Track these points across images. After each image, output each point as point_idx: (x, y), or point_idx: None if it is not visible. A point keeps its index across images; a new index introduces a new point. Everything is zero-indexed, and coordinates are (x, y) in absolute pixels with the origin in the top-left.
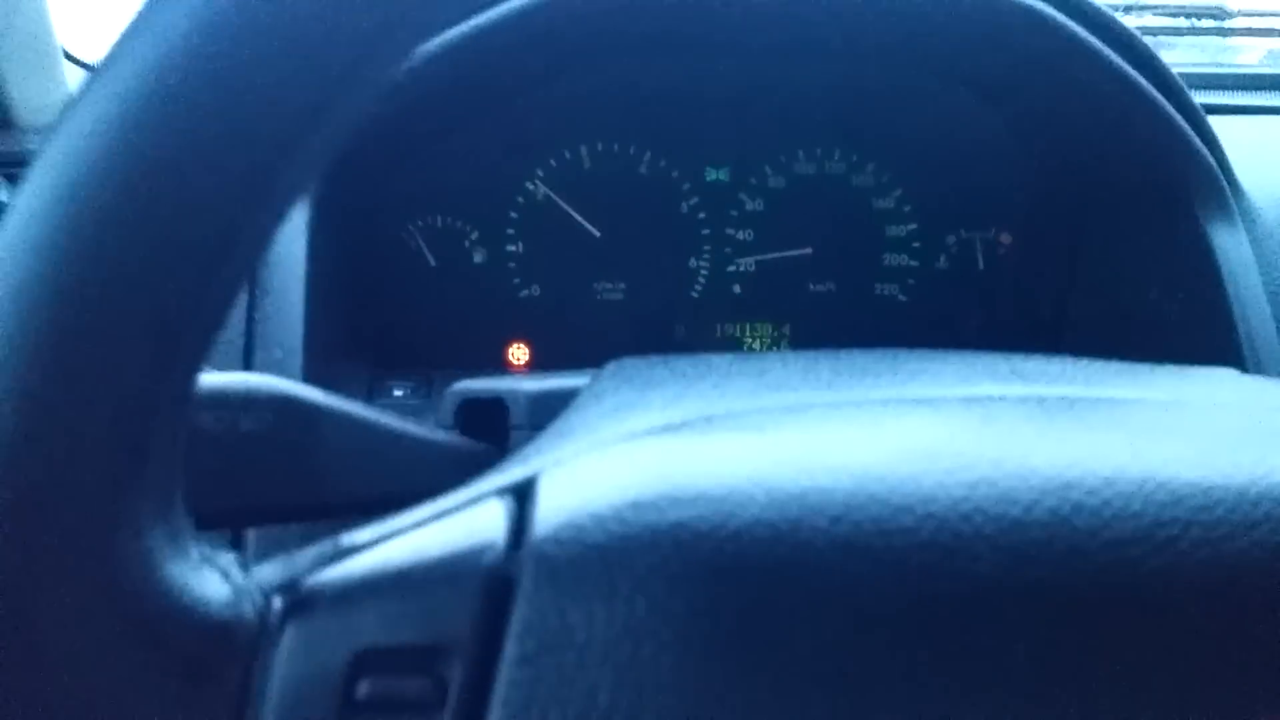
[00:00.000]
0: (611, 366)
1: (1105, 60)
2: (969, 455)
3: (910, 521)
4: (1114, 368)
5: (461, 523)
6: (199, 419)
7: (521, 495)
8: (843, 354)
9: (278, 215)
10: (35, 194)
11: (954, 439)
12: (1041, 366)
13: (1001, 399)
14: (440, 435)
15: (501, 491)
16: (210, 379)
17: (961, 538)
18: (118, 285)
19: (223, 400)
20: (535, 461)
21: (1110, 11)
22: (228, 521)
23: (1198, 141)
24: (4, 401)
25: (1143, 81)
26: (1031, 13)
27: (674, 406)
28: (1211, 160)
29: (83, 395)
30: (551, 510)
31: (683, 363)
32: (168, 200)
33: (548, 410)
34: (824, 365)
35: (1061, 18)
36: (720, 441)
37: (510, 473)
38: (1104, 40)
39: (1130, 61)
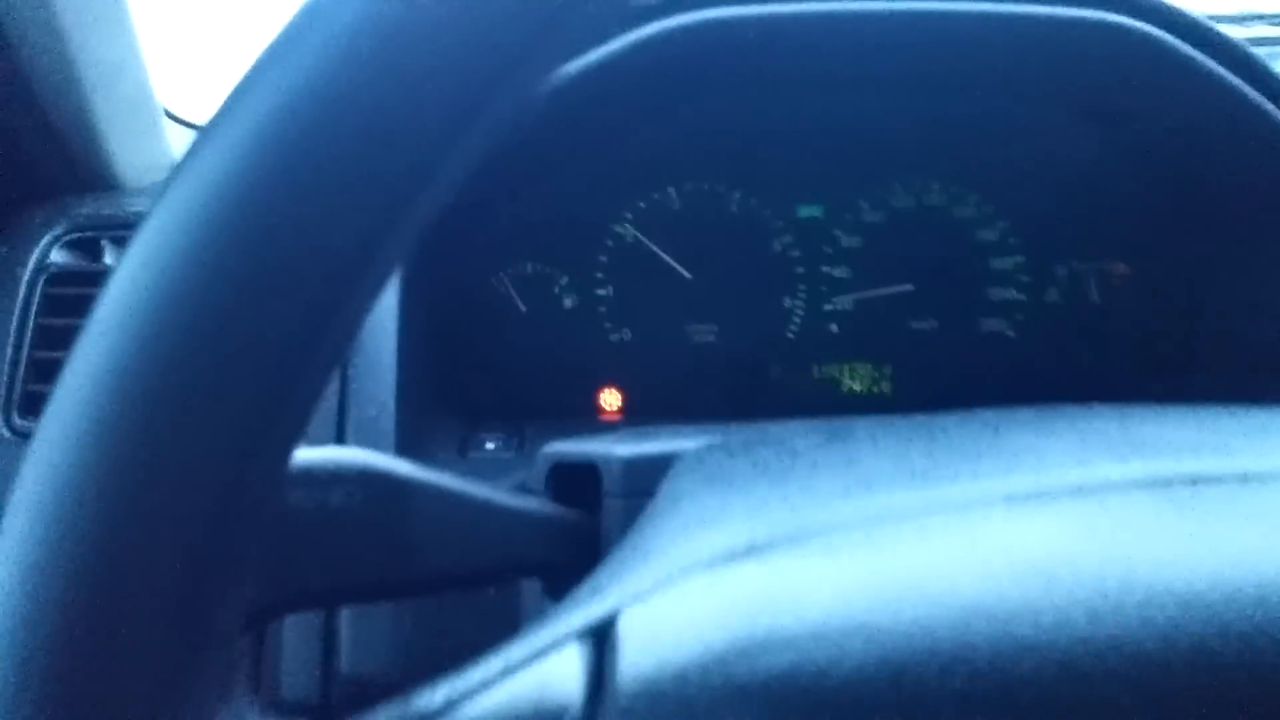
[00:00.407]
0: (689, 459)
1: (1221, 80)
2: (1091, 572)
3: (1032, 664)
4: (1248, 424)
5: (537, 676)
6: (289, 496)
7: (598, 640)
8: (938, 428)
9: (366, 310)
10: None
11: (1072, 550)
12: (1162, 432)
13: (1121, 486)
14: (531, 503)
15: (578, 635)
16: (299, 455)
17: (1092, 680)
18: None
19: (312, 477)
20: (612, 595)
21: (1222, 29)
22: (321, 601)
23: None
24: (53, 603)
25: (1264, 102)
26: (1138, 34)
27: (756, 518)
28: None
29: (139, 592)
30: (630, 663)
31: (765, 450)
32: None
33: (641, 477)
34: (917, 447)
35: (1171, 38)
36: (808, 568)
37: (586, 609)
38: (1217, 59)
39: (1247, 80)
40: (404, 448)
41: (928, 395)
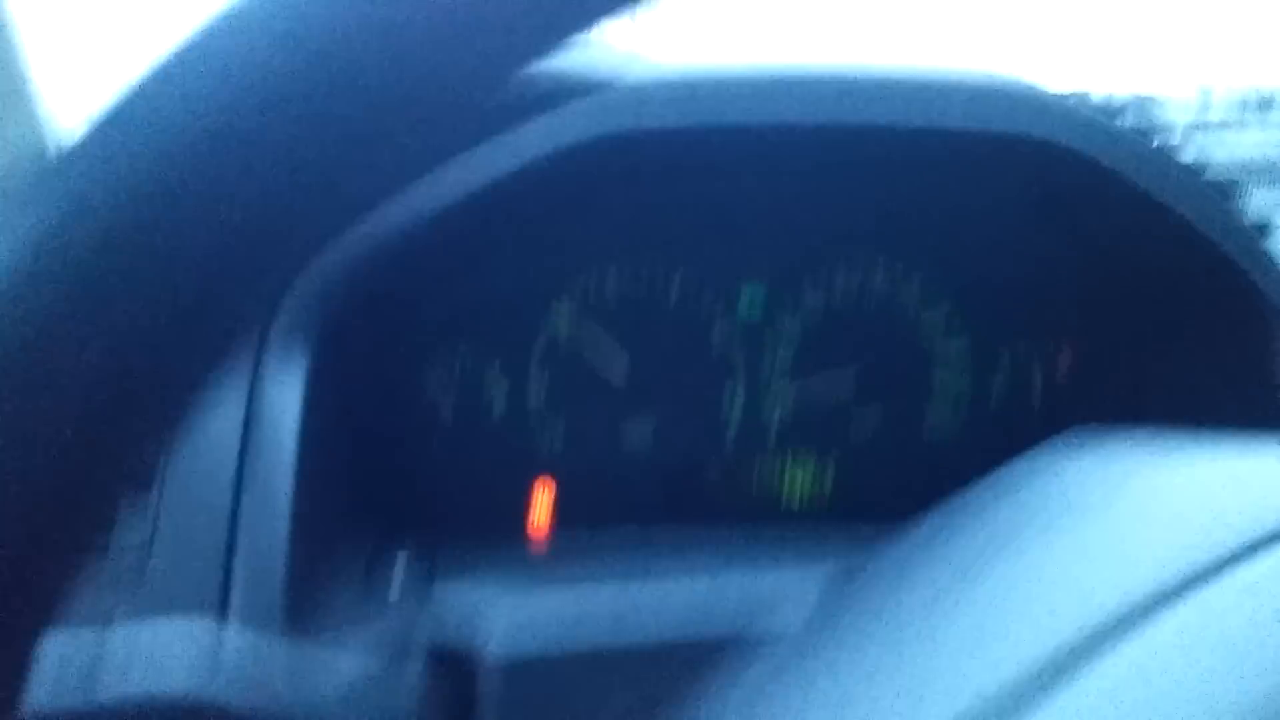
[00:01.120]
0: None
1: (1155, 204)
2: None
3: None
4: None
5: None
6: None
7: None
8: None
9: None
10: None
11: None
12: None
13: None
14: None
15: None
16: None
17: None
18: None
19: None
20: None
21: (1161, 149)
22: None
23: (1263, 274)
24: None
25: (1199, 223)
26: (1067, 152)
27: None
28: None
29: None
30: None
31: None
32: None
33: (520, 685)
34: None
35: (1101, 155)
36: None
37: None
38: (1152, 180)
39: (1188, 205)
40: (298, 591)
41: (869, 492)
